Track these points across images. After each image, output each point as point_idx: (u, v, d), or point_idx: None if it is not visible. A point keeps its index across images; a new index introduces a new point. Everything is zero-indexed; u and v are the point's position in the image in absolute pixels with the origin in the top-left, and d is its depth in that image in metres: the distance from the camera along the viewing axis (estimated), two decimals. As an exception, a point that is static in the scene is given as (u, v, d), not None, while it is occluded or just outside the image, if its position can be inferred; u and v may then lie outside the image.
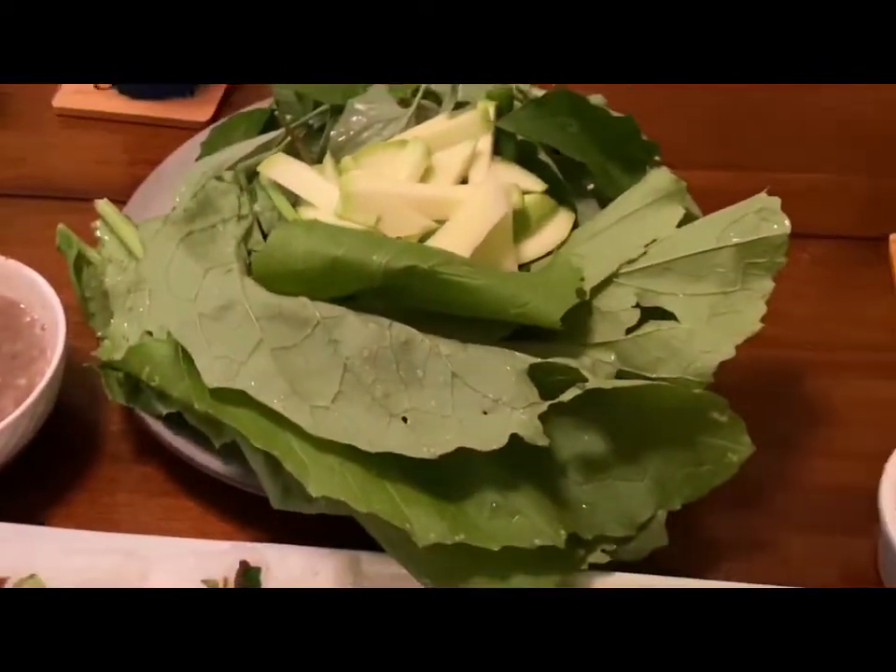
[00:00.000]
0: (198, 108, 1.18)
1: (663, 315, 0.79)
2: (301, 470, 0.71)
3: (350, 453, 0.72)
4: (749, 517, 0.83)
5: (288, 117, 1.00)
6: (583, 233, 0.87)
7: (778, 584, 0.75)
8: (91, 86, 1.20)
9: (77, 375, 0.89)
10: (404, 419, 0.72)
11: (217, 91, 1.20)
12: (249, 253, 0.85)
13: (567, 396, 0.72)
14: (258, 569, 0.75)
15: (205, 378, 0.74)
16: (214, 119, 1.16)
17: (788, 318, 0.91)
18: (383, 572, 0.76)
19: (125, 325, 0.86)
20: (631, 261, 0.80)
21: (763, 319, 0.76)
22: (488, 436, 0.71)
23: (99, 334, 0.89)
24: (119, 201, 0.96)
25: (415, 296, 0.76)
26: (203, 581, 0.75)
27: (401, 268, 0.75)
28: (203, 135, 1.05)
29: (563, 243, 0.89)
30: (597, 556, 0.75)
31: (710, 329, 0.77)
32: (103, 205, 0.91)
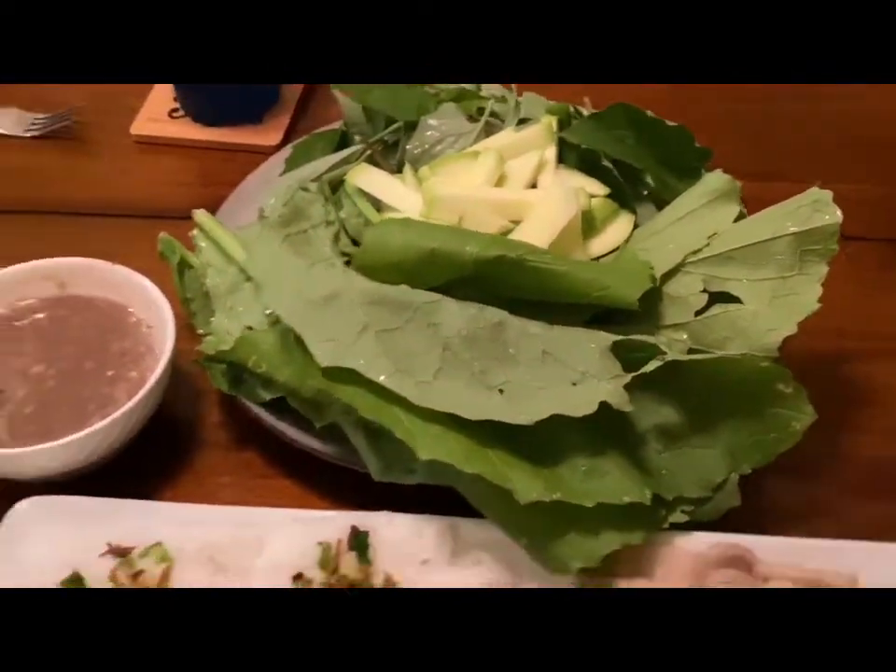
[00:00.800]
0: (266, 134, 1.26)
1: (728, 299, 0.86)
2: (410, 437, 0.78)
3: (452, 423, 0.79)
4: (809, 484, 0.91)
5: (358, 137, 1.09)
6: (644, 232, 0.96)
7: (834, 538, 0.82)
8: (165, 114, 1.28)
9: (177, 371, 0.96)
10: (501, 391, 0.80)
11: (284, 117, 1.28)
12: (342, 255, 0.93)
13: (650, 367, 0.79)
14: (366, 533, 0.82)
15: (318, 359, 0.81)
16: (282, 143, 1.24)
17: (830, 311, 0.98)
18: (480, 536, 0.83)
19: (226, 321, 0.94)
20: (695, 252, 0.88)
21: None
22: (579, 404, 0.78)
23: (200, 331, 0.96)
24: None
25: (504, 284, 0.84)
26: (319, 544, 0.81)
27: (492, 257, 0.83)
28: (278, 157, 1.13)
29: (626, 241, 0.96)
30: (677, 516, 0.82)
31: (773, 309, 0.85)
32: (200, 215, 0.99)
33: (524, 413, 0.78)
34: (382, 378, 0.80)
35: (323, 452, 0.90)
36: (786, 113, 1.27)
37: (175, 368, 0.95)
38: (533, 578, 0.81)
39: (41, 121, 1.28)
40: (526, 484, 0.78)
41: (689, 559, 0.81)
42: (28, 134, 1.28)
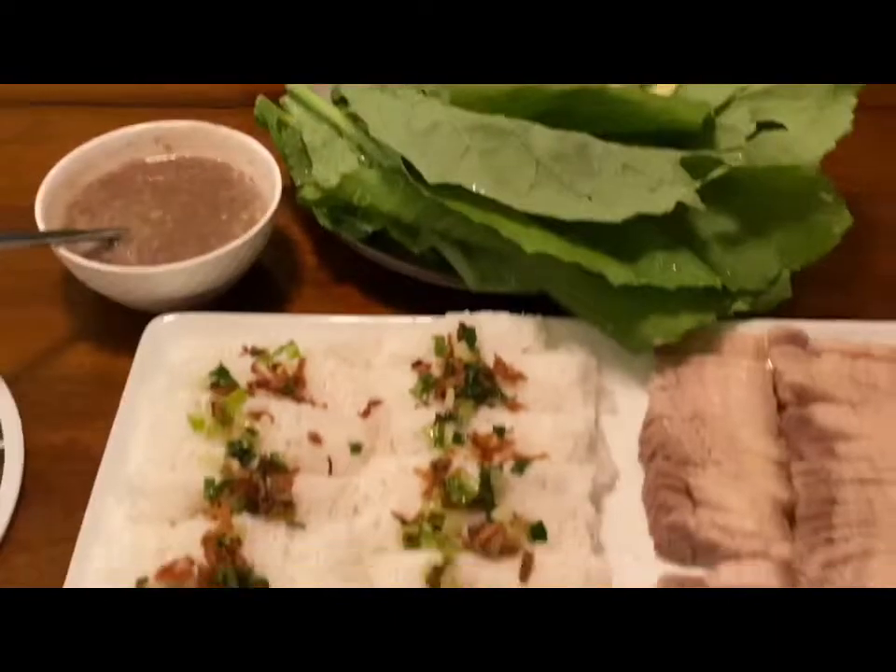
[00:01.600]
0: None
1: (773, 128, 1.00)
2: (516, 235, 0.91)
3: (549, 226, 0.92)
4: (844, 293, 1.05)
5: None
6: (689, 88, 1.09)
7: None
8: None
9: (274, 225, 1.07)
10: (589, 198, 0.92)
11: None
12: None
13: (716, 173, 0.92)
14: (473, 327, 0.94)
15: (428, 177, 0.93)
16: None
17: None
18: (568, 331, 0.96)
19: (323, 170, 1.06)
20: (742, 88, 1.01)
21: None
22: (658, 204, 0.91)
23: (298, 182, 1.08)
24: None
25: (584, 116, 0.97)
26: (433, 337, 0.93)
27: (573, 90, 0.96)
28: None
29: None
30: (739, 305, 0.96)
31: (812, 131, 0.98)
32: (291, 86, 1.11)
33: (611, 213, 0.91)
34: (484, 190, 0.93)
35: (422, 274, 1.02)
36: None
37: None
38: (614, 358, 0.94)
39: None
40: (616, 271, 0.91)
41: (752, 340, 0.95)
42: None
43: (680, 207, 0.91)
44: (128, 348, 0.97)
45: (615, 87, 0.96)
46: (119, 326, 1.02)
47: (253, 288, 1.06)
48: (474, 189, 0.93)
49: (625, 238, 0.93)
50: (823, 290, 1.03)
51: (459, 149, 0.95)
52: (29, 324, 1.04)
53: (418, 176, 0.95)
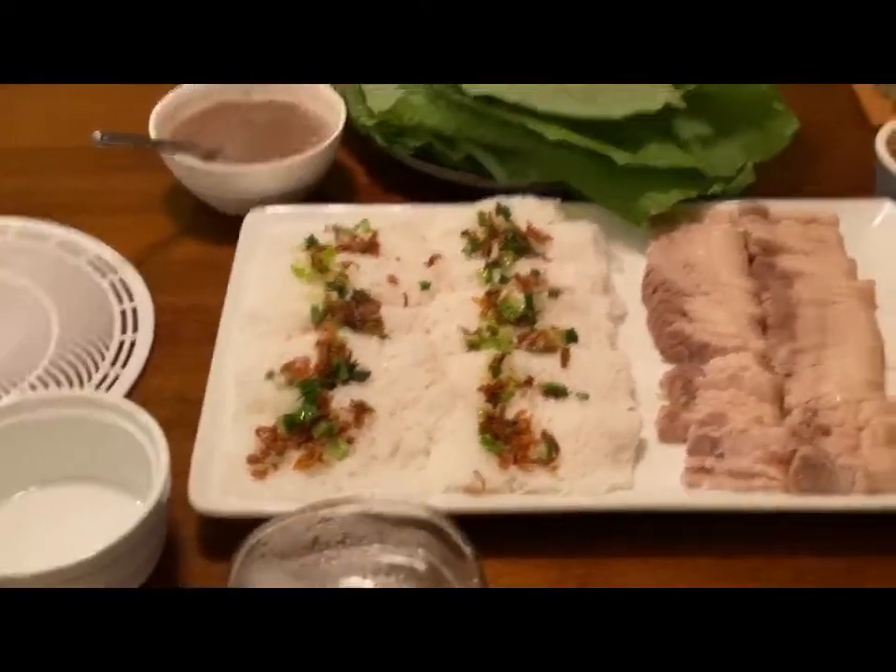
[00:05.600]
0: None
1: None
2: (541, 128, 1.17)
3: (563, 123, 1.18)
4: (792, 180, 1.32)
5: None
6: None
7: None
8: None
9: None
10: (596, 103, 1.19)
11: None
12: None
13: (693, 84, 1.19)
14: (507, 207, 1.19)
15: (469, 89, 1.20)
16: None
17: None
18: (582, 212, 1.21)
19: (374, 101, 1.31)
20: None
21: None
22: (651, 104, 1.18)
23: (355, 115, 1.34)
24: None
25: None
26: (478, 213, 1.18)
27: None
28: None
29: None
30: (715, 188, 1.22)
31: (766, 57, 1.26)
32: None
33: (615, 111, 1.18)
34: (514, 98, 1.19)
35: (461, 176, 1.27)
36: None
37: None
38: (619, 231, 1.20)
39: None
40: (620, 154, 1.17)
41: (726, 212, 1.21)
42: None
43: (665, 109, 1.18)
44: (226, 241, 1.21)
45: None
46: (217, 225, 1.26)
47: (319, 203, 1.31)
48: (506, 98, 1.19)
49: (626, 133, 1.19)
50: (779, 177, 1.29)
51: (493, 72, 1.21)
52: (146, 227, 1.28)
53: (460, 92, 1.21)
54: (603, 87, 1.20)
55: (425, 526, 0.77)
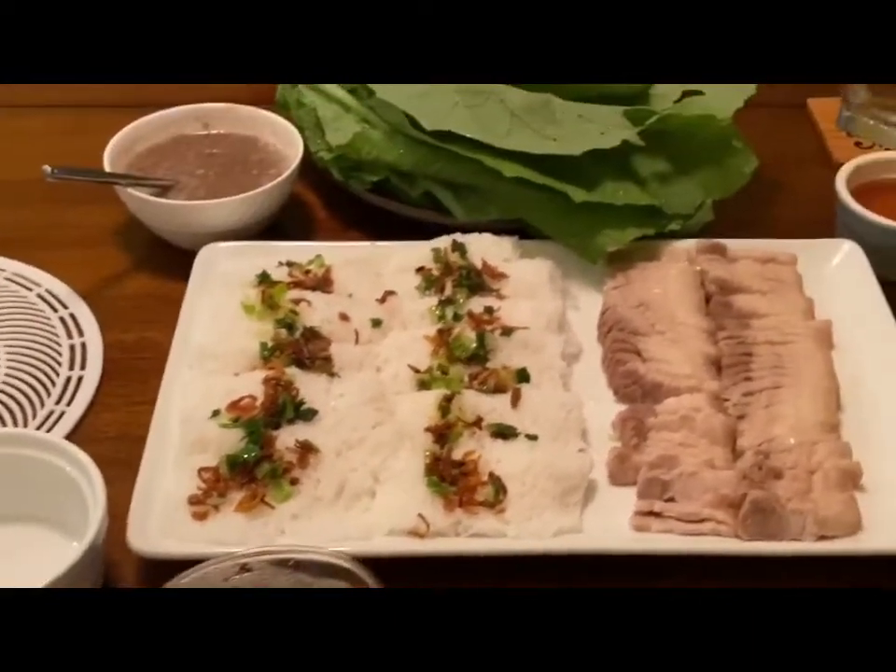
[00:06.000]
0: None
1: (694, 94, 1.27)
2: (498, 164, 1.16)
3: (521, 159, 1.17)
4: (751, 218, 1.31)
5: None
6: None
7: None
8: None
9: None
10: (554, 140, 1.18)
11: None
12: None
13: (652, 120, 1.19)
14: (463, 244, 1.18)
15: (426, 124, 1.19)
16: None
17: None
18: (538, 249, 1.20)
19: (334, 137, 1.30)
20: (670, 67, 1.29)
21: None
22: (608, 142, 1.17)
23: (313, 149, 1.32)
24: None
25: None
26: (432, 250, 1.17)
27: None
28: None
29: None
30: (673, 226, 1.21)
31: (726, 94, 1.25)
32: (306, 73, 1.36)
33: (571, 148, 1.17)
34: (470, 134, 1.18)
35: (418, 213, 1.26)
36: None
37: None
38: (576, 269, 1.19)
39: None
40: (577, 191, 1.16)
41: (684, 250, 1.20)
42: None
43: (623, 146, 1.17)
44: (179, 276, 1.19)
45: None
46: (171, 260, 1.24)
47: (275, 238, 1.29)
48: (464, 133, 1.18)
49: (582, 170, 1.18)
50: (738, 215, 1.28)
51: (449, 105, 1.20)
52: (98, 261, 1.26)
53: (418, 127, 1.20)
54: (562, 122, 1.19)
55: (345, 576, 0.75)
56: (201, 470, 0.95)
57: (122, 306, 1.21)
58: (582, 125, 1.19)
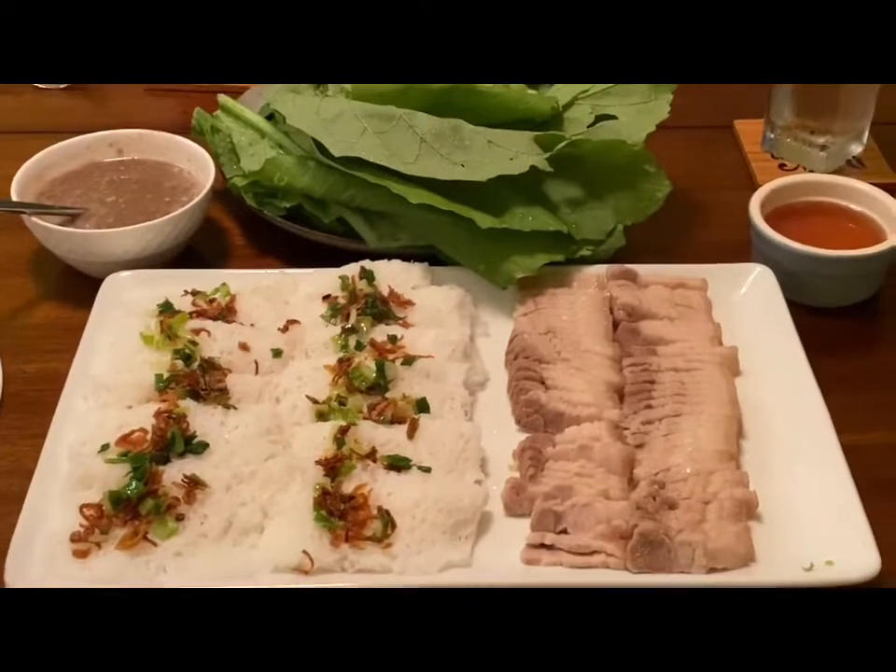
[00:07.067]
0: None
1: (608, 119, 1.26)
2: (405, 191, 1.15)
3: (430, 187, 1.16)
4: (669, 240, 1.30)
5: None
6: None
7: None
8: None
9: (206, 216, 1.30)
10: (462, 165, 1.17)
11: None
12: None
13: (562, 145, 1.18)
14: (371, 271, 1.17)
15: (334, 151, 1.17)
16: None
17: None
18: (448, 275, 1.19)
19: (249, 163, 1.29)
20: (585, 90, 1.28)
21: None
22: (516, 168, 1.16)
23: (228, 175, 1.31)
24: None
25: (458, 107, 1.22)
26: (340, 277, 1.16)
27: (451, 87, 1.21)
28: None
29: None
30: (584, 252, 1.20)
31: (638, 119, 1.25)
32: (222, 97, 1.35)
33: (479, 174, 1.15)
34: (379, 160, 1.17)
35: (331, 239, 1.25)
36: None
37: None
38: (486, 296, 1.18)
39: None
40: (483, 217, 1.15)
41: (594, 276, 1.19)
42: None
43: (534, 171, 1.16)
44: (87, 305, 1.18)
45: (483, 85, 1.22)
46: (80, 288, 1.23)
47: (188, 265, 1.28)
48: (371, 159, 1.17)
49: (491, 196, 1.17)
50: (654, 240, 1.27)
51: (358, 131, 1.19)
52: (6, 289, 1.25)
53: (327, 153, 1.19)
54: (472, 148, 1.18)
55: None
56: (83, 507, 0.93)
57: (28, 336, 1.20)
58: (492, 150, 1.18)
